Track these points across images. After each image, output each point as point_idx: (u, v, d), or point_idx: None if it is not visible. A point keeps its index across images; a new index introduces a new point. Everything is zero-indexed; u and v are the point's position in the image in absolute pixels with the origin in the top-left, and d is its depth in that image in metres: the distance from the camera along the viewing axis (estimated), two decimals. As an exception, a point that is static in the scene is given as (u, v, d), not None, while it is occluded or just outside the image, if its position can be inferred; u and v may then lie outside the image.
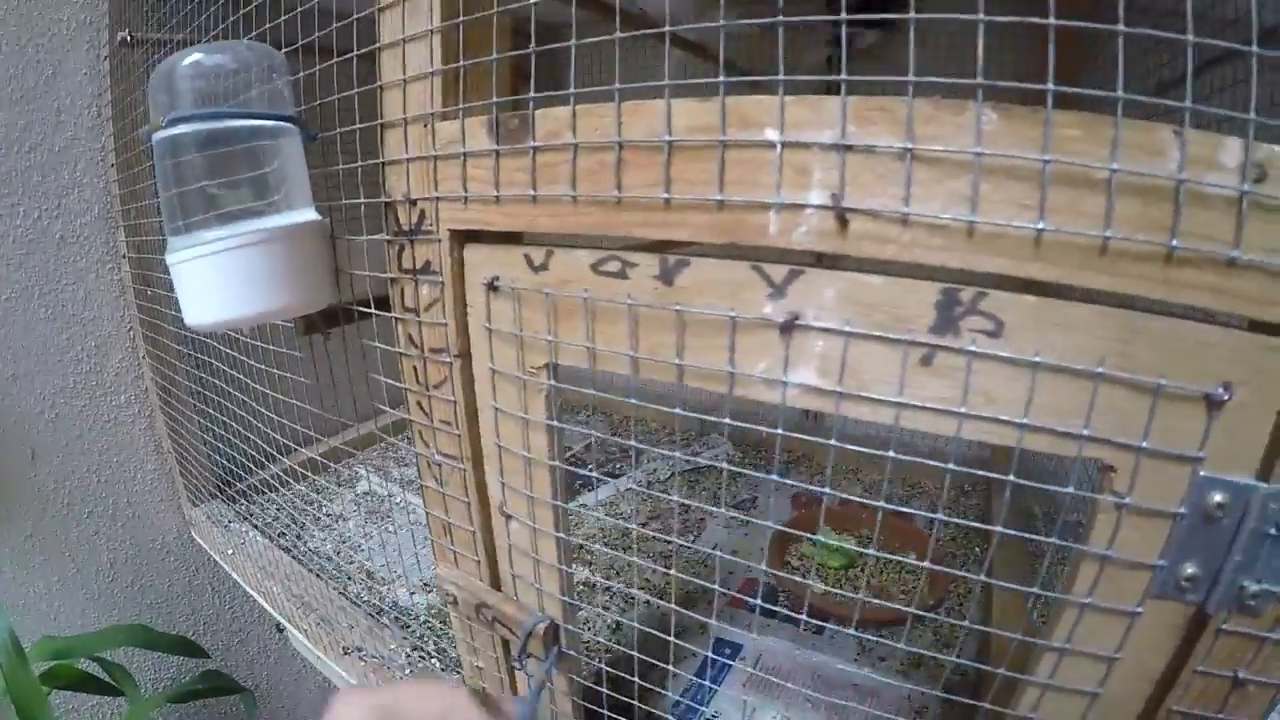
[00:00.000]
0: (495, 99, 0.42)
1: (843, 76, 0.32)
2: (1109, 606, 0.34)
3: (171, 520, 1.23)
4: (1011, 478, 0.35)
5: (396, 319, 0.52)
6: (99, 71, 1.02)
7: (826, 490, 0.39)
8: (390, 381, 0.53)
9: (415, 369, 0.52)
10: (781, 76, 0.33)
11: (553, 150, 0.40)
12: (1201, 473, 0.30)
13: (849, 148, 0.33)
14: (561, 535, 0.50)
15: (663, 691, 0.80)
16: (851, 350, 0.35)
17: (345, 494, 1.26)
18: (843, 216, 0.34)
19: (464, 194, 0.44)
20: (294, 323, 0.63)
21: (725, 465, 0.52)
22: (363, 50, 0.49)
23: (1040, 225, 0.31)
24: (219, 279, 0.49)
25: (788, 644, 0.88)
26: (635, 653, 0.53)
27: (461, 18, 0.42)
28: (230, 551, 1.08)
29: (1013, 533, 0.37)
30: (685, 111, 0.36)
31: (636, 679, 0.53)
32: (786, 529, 1.09)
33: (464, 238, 0.47)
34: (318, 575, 1.00)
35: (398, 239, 0.49)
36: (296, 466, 1.06)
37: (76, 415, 1.08)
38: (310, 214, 0.52)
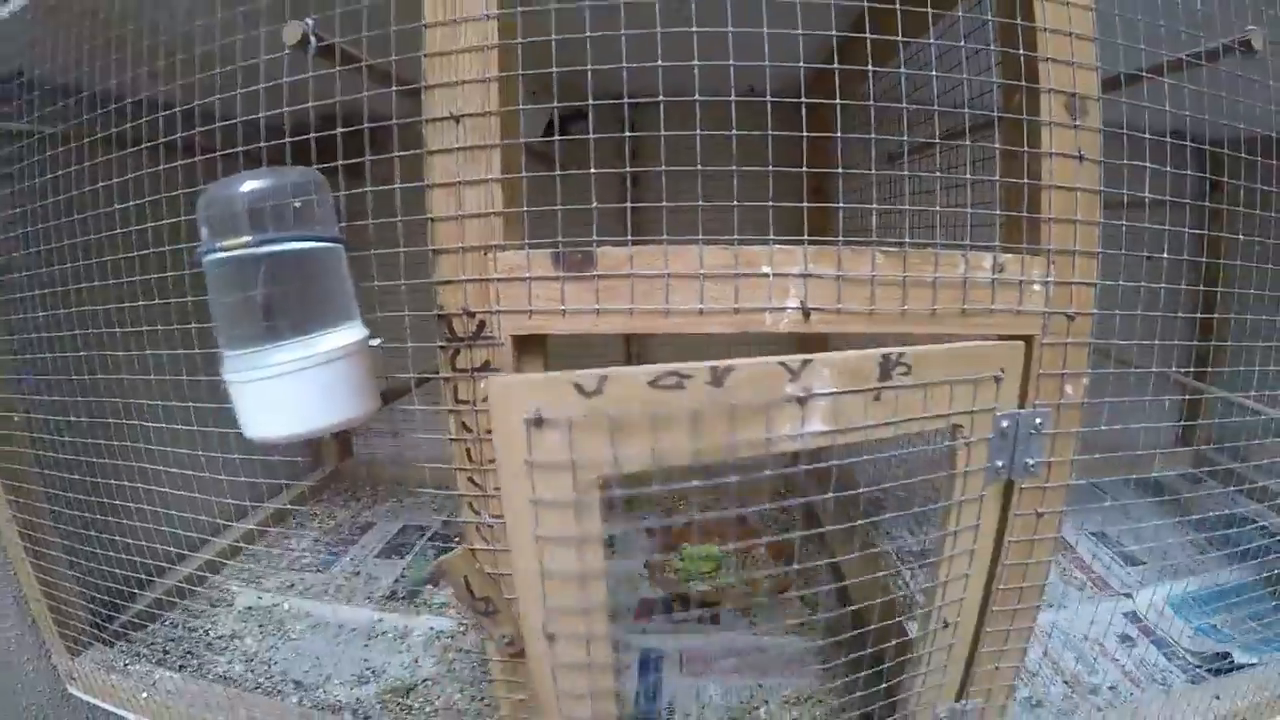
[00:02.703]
0: (559, 239, 0.62)
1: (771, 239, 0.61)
2: (970, 498, 0.67)
3: (44, 681, 1.07)
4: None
5: (450, 410, 0.66)
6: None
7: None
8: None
9: (468, 450, 0.66)
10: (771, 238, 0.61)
11: (614, 278, 0.62)
12: (998, 413, 0.65)
13: (809, 275, 0.62)
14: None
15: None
16: (840, 401, 0.62)
17: (226, 614, 1.22)
18: (807, 313, 0.62)
19: (529, 309, 0.63)
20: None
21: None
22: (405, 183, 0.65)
23: (904, 307, 0.63)
24: (296, 395, 0.59)
25: (697, 634, 1.14)
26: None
27: (523, 173, 0.62)
28: (144, 695, 0.99)
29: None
30: (710, 254, 0.61)
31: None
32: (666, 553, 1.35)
33: (521, 342, 0.65)
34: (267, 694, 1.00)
35: (452, 344, 0.65)
36: (178, 584, 1.03)
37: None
38: (361, 329, 0.65)
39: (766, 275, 0.61)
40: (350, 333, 0.64)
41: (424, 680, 1.05)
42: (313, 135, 0.68)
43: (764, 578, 1.29)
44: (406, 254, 0.66)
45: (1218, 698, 0.96)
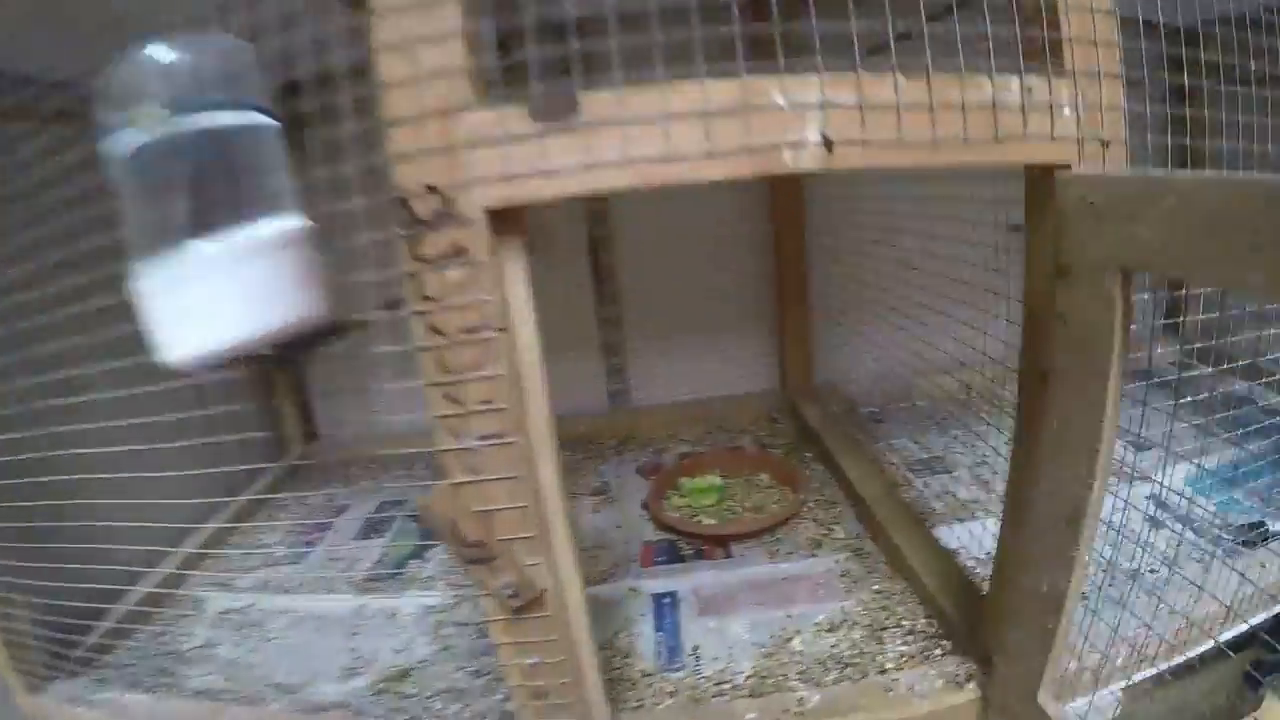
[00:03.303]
0: (533, 87, 0.52)
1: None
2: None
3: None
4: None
5: (415, 312, 0.56)
6: None
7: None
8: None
9: (440, 359, 0.57)
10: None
11: (603, 125, 0.52)
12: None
13: (827, 104, 0.53)
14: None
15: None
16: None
17: (198, 623, 1.11)
18: (830, 145, 0.54)
19: (503, 174, 0.53)
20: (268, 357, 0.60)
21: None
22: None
23: (935, 134, 0.55)
24: (230, 294, 0.48)
25: (711, 573, 1.07)
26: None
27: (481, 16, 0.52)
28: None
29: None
30: (715, 89, 0.52)
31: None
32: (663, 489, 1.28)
33: (497, 219, 0.55)
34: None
35: (414, 229, 0.55)
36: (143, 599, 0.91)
37: None
38: (301, 219, 0.54)
39: (781, 107, 0.53)
40: (288, 221, 0.53)
41: (419, 662, 0.96)
42: None
43: (773, 503, 1.22)
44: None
45: (1264, 565, 0.93)
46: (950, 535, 1.03)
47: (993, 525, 0.81)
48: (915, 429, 1.39)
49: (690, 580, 1.05)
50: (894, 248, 1.20)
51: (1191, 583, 0.79)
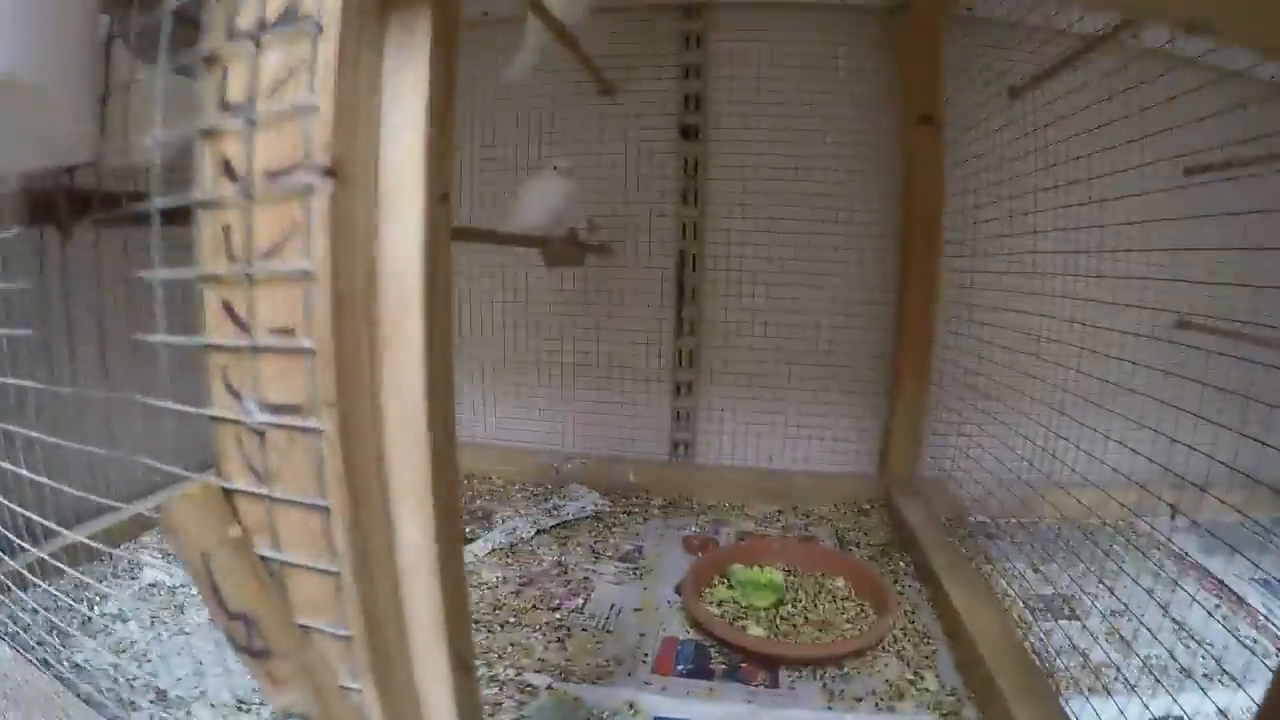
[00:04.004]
0: None
1: None
2: None
3: None
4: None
5: (203, 133, 0.31)
6: None
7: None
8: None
9: (227, 228, 0.31)
10: None
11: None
12: None
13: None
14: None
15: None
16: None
17: (125, 587, 0.97)
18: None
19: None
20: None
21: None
22: None
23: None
24: None
25: (745, 706, 0.77)
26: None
27: None
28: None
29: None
30: None
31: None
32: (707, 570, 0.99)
33: None
34: (86, 701, 0.69)
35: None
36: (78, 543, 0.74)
37: None
38: None
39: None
40: None
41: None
42: None
43: (846, 621, 0.91)
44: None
45: None
46: (1085, 711, 0.70)
47: (1136, 710, 0.64)
48: (1036, 553, 1.05)
49: (714, 710, 0.76)
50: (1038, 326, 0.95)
51: None
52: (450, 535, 0.33)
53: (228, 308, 0.31)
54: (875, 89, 1.27)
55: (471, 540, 1.14)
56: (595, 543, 1.15)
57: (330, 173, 0.29)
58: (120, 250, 0.52)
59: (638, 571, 1.06)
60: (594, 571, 1.06)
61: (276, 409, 0.30)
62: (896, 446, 1.30)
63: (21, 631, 0.80)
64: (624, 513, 1.28)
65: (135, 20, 0.35)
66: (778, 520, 1.26)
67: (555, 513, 1.24)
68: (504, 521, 1.21)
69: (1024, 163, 1.07)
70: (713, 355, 1.42)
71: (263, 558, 0.31)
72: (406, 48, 0.32)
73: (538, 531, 1.17)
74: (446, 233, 0.33)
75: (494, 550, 1.11)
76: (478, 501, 1.33)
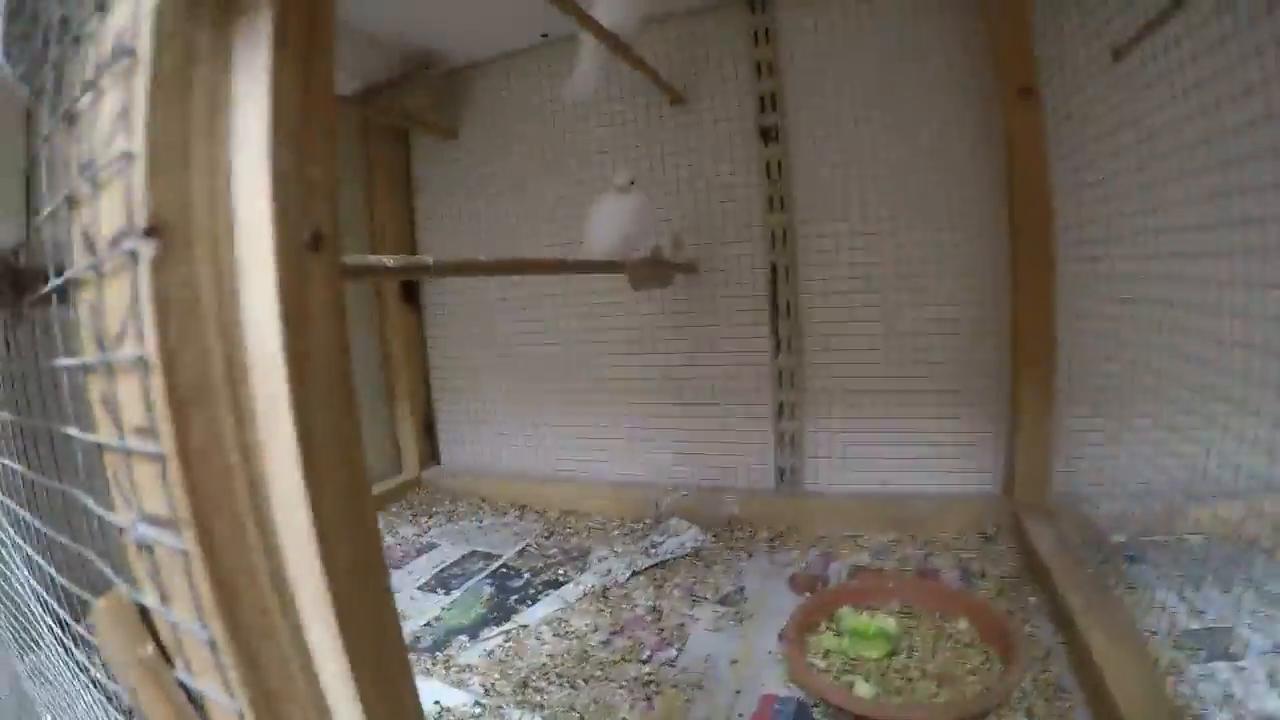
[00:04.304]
0: None
1: None
2: None
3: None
4: None
5: (67, 200, 0.28)
6: None
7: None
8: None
9: (92, 308, 0.28)
10: None
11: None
12: None
13: None
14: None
15: None
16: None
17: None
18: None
19: None
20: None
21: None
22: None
23: None
24: None
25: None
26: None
27: None
28: None
29: None
30: None
31: None
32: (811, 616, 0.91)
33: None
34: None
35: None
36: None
37: None
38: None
39: None
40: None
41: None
42: None
43: (968, 673, 0.79)
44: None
45: None
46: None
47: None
48: (1184, 577, 0.87)
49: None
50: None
51: None
52: (377, 666, 0.28)
53: (104, 402, 0.28)
54: (964, 63, 1.15)
55: (564, 584, 1.11)
56: (694, 584, 1.09)
57: (152, 232, 0.25)
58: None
59: (738, 616, 0.99)
60: (690, 617, 1.00)
61: (153, 521, 0.27)
62: (1024, 464, 1.14)
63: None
64: (726, 549, 1.21)
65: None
66: (894, 551, 1.14)
67: (652, 551, 1.19)
68: (599, 562, 1.18)
69: (1140, 127, 0.91)
70: (814, 373, 1.33)
71: (180, 683, 0.28)
72: (247, 62, 0.27)
73: (633, 574, 1.13)
74: (333, 286, 0.28)
75: (586, 594, 1.07)
76: (574, 539, 1.31)
